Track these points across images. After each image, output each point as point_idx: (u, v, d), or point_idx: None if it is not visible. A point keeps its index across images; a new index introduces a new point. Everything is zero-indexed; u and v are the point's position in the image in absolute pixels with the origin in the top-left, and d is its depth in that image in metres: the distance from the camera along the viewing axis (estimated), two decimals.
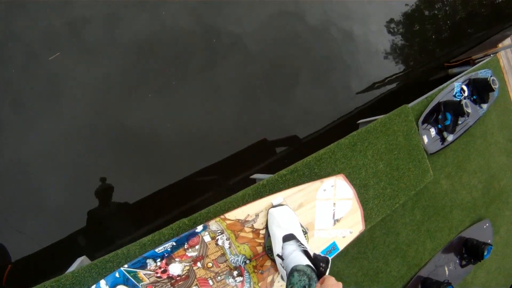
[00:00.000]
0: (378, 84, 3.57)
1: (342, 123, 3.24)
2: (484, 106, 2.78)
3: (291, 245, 1.46)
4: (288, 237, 1.49)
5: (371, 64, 3.66)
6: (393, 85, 3.66)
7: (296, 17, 3.23)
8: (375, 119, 2.06)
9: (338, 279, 2.07)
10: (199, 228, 1.52)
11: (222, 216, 1.54)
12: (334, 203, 1.70)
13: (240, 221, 1.57)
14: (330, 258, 1.34)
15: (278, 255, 1.46)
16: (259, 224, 1.60)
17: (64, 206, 2.21)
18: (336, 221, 1.70)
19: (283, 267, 1.42)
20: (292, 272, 1.25)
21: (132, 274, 1.46)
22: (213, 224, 1.54)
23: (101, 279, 1.43)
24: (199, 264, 1.54)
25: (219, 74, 2.84)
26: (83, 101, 2.33)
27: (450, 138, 2.42)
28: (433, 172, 2.36)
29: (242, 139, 2.79)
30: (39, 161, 2.18)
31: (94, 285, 1.42)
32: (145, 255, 1.48)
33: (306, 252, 1.37)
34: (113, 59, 2.44)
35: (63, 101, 2.28)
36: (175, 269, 1.52)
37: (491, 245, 2.55)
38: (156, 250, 1.48)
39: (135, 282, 1.47)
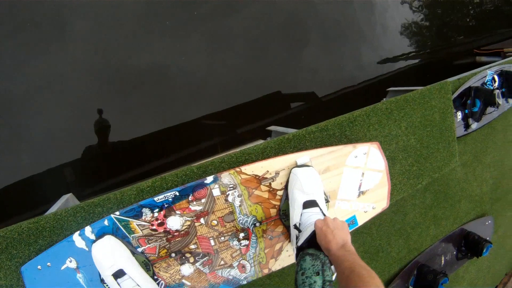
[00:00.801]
0: (403, 57, 3.33)
1: (361, 89, 3.02)
2: (511, 101, 2.62)
3: (312, 214, 1.25)
4: (310, 203, 1.27)
5: (392, 38, 3.41)
6: (417, 61, 3.43)
7: None
8: (408, 90, 1.83)
9: None
10: (209, 179, 1.27)
11: (237, 169, 1.29)
12: (363, 173, 1.47)
13: (257, 177, 1.32)
14: None
15: (295, 226, 1.24)
16: (277, 184, 1.36)
17: (56, 134, 1.92)
18: (361, 193, 1.49)
19: (297, 241, 1.21)
20: (304, 256, 1.05)
21: (123, 223, 1.21)
22: (226, 177, 1.29)
23: (86, 225, 1.18)
24: (202, 220, 1.30)
25: (233, 22, 2.54)
26: (87, 33, 2.05)
27: (474, 126, 2.25)
28: None
29: (254, 89, 2.54)
30: (37, 86, 1.87)
31: (78, 232, 1.17)
32: (141, 203, 1.22)
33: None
34: None
35: (67, 30, 1.98)
36: (174, 223, 1.27)
37: (491, 244, 2.46)
38: (155, 198, 1.23)
39: (126, 233, 1.22)
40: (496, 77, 2.37)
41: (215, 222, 1.32)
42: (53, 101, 1.98)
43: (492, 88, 2.32)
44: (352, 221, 1.51)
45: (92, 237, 1.19)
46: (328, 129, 1.50)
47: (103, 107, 2.09)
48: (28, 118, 1.92)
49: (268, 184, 1.35)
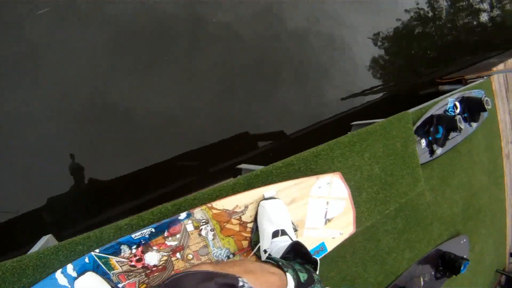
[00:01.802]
0: (367, 92, 3.54)
1: (329, 124, 3.18)
2: (474, 125, 2.80)
3: (281, 242, 1.36)
4: (278, 233, 1.38)
5: (359, 73, 3.64)
6: (381, 95, 3.64)
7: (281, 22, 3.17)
8: (371, 122, 1.99)
9: None
10: (183, 215, 1.38)
11: (209, 205, 1.41)
12: (328, 202, 1.60)
13: (227, 211, 1.44)
14: (318, 259, 1.23)
15: (265, 250, 1.35)
16: (247, 217, 1.47)
17: (32, 177, 2.00)
18: (327, 220, 1.61)
19: None
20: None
21: (103, 260, 1.30)
22: (198, 212, 1.40)
23: (68, 263, 1.25)
24: (178, 255, 1.39)
25: (202, 60, 2.72)
26: (62, 70, 2.14)
27: (439, 151, 2.40)
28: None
29: (225, 128, 2.66)
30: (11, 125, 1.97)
31: (60, 269, 1.24)
32: (120, 240, 1.31)
33: (296, 244, 1.24)
34: (97, 32, 2.26)
35: (43, 68, 2.08)
36: (152, 258, 1.37)
37: (468, 260, 2.55)
38: (133, 235, 1.33)
39: (106, 270, 1.31)
40: (457, 104, 2.56)
41: (190, 256, 1.41)
42: (26, 141, 2.08)
43: (453, 114, 2.50)
44: (321, 247, 1.61)
45: (74, 274, 1.26)
46: (294, 164, 1.64)
47: (75, 149, 2.18)
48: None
49: (238, 217, 1.46)
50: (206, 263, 0.85)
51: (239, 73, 2.88)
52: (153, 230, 1.35)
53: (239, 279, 0.79)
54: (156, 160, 2.40)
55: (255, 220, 1.47)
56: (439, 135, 2.36)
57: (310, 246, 1.58)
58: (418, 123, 2.30)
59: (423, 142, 2.35)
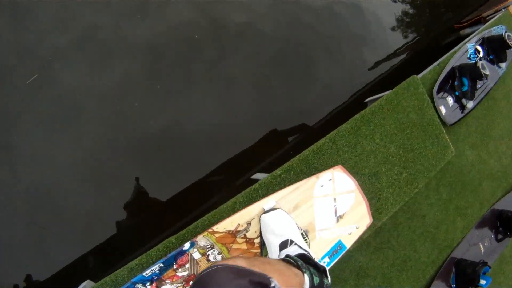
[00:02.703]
0: (390, 56, 3.24)
1: (353, 102, 2.98)
2: (503, 65, 2.45)
3: (289, 253, 1.31)
4: (286, 244, 1.32)
5: (381, 36, 3.33)
6: (404, 55, 3.30)
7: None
8: (384, 95, 1.82)
9: (361, 274, 1.92)
10: (187, 245, 1.39)
11: (209, 230, 1.41)
12: (335, 199, 1.50)
13: (230, 232, 1.43)
14: (327, 268, 1.16)
15: None
16: (252, 233, 1.44)
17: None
18: (339, 217, 1.51)
19: None
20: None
21: None
22: (201, 240, 1.41)
23: None
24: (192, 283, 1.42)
25: (233, 65, 2.70)
26: (94, 113, 2.28)
27: (470, 105, 2.13)
28: (456, 144, 2.11)
29: (256, 131, 2.63)
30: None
31: None
32: (133, 280, 1.38)
33: (303, 256, 1.20)
34: (120, 65, 2.36)
35: (78, 116, 2.25)
36: None
37: None
38: (144, 273, 1.38)
39: None
40: (478, 48, 2.25)
41: None
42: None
43: (476, 60, 2.19)
44: (339, 246, 1.52)
45: None
46: (294, 167, 1.57)
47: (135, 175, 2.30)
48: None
49: (243, 236, 1.44)
50: (240, 257, 0.87)
51: (272, 67, 2.82)
52: (162, 265, 1.39)
53: (271, 279, 0.80)
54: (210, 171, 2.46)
55: (260, 235, 1.44)
56: (465, 88, 2.08)
57: (326, 247, 1.50)
58: (440, 80, 2.06)
59: (450, 99, 2.10)
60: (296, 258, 1.09)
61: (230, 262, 0.83)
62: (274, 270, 0.92)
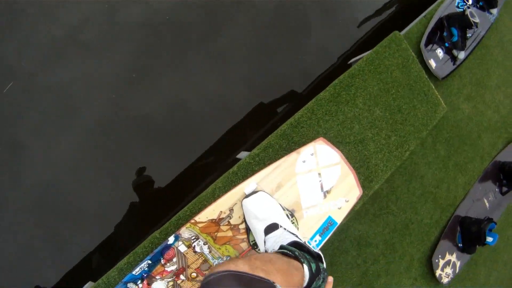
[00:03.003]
0: (379, 11, 3.05)
1: (343, 63, 2.84)
2: (494, 11, 2.28)
3: (276, 236, 1.25)
4: (271, 228, 1.27)
5: None
6: (393, 9, 3.10)
7: None
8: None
9: (362, 243, 1.87)
10: (171, 239, 1.36)
11: (192, 221, 1.37)
12: (319, 173, 1.43)
13: (213, 220, 1.38)
14: (321, 253, 1.10)
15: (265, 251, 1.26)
16: (236, 219, 1.39)
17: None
18: (326, 192, 1.45)
19: None
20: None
21: None
22: (185, 232, 1.37)
23: None
24: (182, 276, 1.39)
25: (227, 37, 2.52)
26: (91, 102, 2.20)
27: (461, 55, 2.00)
28: (450, 98, 2.02)
29: (244, 106, 2.53)
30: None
31: None
32: (124, 280, 1.36)
33: (297, 244, 1.14)
34: (113, 52, 2.27)
35: (74, 109, 2.16)
36: (159, 287, 1.40)
37: None
38: (134, 272, 1.36)
39: None
40: None
41: (194, 274, 1.40)
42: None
43: (464, 8, 2.03)
44: (329, 222, 1.46)
45: None
46: (272, 144, 1.50)
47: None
48: None
49: (227, 223, 1.39)
50: (241, 260, 0.84)
51: (266, 35, 2.66)
52: (149, 261, 1.37)
53: (276, 285, 0.78)
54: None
55: (244, 220, 1.40)
56: (455, 38, 1.94)
57: (315, 225, 1.45)
58: (427, 32, 1.93)
59: (440, 51, 1.97)
60: (292, 248, 1.05)
61: (232, 267, 0.79)
62: (276, 270, 0.88)
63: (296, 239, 1.18)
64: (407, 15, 3.13)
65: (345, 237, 1.87)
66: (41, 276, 2.15)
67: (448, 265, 2.03)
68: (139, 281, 1.36)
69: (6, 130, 2.09)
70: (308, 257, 1.03)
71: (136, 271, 1.36)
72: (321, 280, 1.00)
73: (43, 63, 2.19)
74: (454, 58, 2.01)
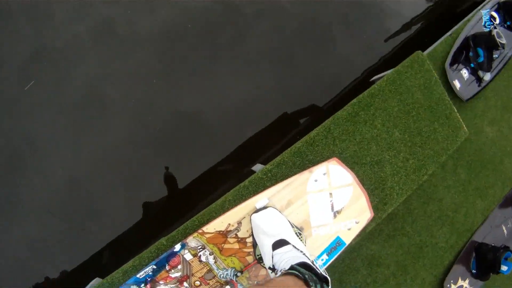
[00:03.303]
0: (404, 27, 2.97)
1: (366, 78, 2.78)
2: None
3: (283, 253, 1.24)
4: (279, 243, 1.26)
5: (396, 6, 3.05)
6: (419, 25, 3.01)
7: None
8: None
9: (373, 262, 1.84)
10: (177, 247, 1.37)
11: (200, 231, 1.37)
12: (331, 193, 1.41)
13: (221, 232, 1.38)
14: (329, 278, 1.09)
15: (270, 268, 1.25)
16: (243, 233, 1.39)
17: None
18: (336, 213, 1.43)
19: None
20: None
21: None
22: (192, 241, 1.38)
23: None
24: (185, 284, 1.40)
25: (252, 43, 2.56)
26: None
27: (487, 77, 1.93)
28: (474, 121, 1.96)
29: (266, 116, 2.52)
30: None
31: None
32: (127, 282, 1.39)
33: (305, 265, 1.13)
34: (140, 54, 2.32)
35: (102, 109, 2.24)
36: None
37: None
38: (138, 275, 1.38)
39: None
40: (494, 14, 2.00)
41: (198, 283, 1.41)
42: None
43: (490, 28, 1.95)
44: (337, 242, 1.44)
45: None
46: (286, 161, 1.48)
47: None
48: None
49: (234, 235, 1.39)
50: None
51: (291, 43, 2.65)
52: (154, 266, 1.38)
53: None
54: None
55: (252, 234, 1.39)
56: (481, 59, 1.88)
57: (323, 244, 1.43)
58: (452, 52, 1.87)
59: (465, 72, 1.91)
60: (302, 270, 1.05)
61: None
62: None
63: (305, 258, 1.16)
64: (433, 31, 3.06)
65: (357, 256, 1.83)
66: (51, 269, 2.22)
67: None
68: (143, 284, 1.38)
69: (22, 127, 2.17)
70: (315, 279, 1.03)
71: (141, 274, 1.38)
72: None
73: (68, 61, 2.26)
74: (479, 80, 1.94)
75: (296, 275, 1.01)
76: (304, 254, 1.20)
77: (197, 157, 2.44)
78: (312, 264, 1.12)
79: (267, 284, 0.97)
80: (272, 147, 2.55)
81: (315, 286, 0.99)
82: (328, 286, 1.07)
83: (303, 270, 1.04)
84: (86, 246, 2.28)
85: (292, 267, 1.08)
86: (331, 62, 2.79)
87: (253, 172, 2.10)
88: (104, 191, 2.26)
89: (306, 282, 0.98)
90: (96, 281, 1.81)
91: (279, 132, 2.62)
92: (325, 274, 1.08)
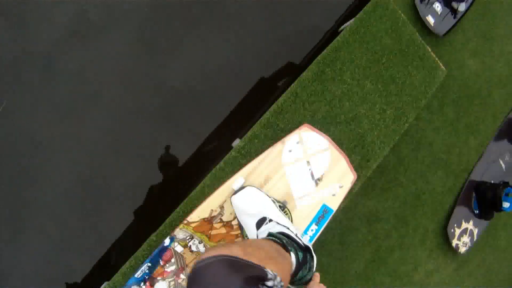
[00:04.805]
0: None
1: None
2: None
3: (267, 230, 1.23)
4: (261, 222, 1.25)
5: None
6: None
7: None
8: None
9: (372, 219, 1.82)
10: (166, 241, 1.38)
11: (185, 222, 1.37)
12: (308, 161, 1.38)
13: (206, 219, 1.38)
14: (310, 246, 1.08)
15: None
16: (228, 216, 1.38)
17: None
18: (317, 180, 1.39)
19: None
20: None
21: None
22: (179, 233, 1.38)
23: None
24: (182, 275, 1.42)
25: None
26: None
27: (462, 7, 1.83)
28: (454, 55, 1.88)
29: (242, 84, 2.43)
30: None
31: None
32: (128, 283, 1.41)
33: (285, 234, 1.13)
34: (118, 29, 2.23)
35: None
36: (161, 287, 1.44)
37: None
38: (136, 275, 1.40)
39: None
40: None
41: None
42: None
43: None
44: (324, 210, 1.42)
45: None
46: (257, 135, 1.44)
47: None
48: None
49: (219, 220, 1.39)
50: (235, 244, 0.85)
51: None
52: (149, 264, 1.40)
53: (267, 271, 0.78)
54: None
55: (236, 216, 1.38)
56: None
57: (310, 214, 1.41)
58: None
59: (438, 5, 1.80)
60: (279, 235, 1.05)
61: (225, 251, 0.79)
62: (267, 257, 0.87)
63: (287, 230, 1.15)
64: None
65: (354, 215, 1.82)
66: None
67: (465, 233, 1.95)
68: (142, 283, 1.40)
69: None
70: (295, 245, 1.03)
71: (138, 274, 1.40)
72: (308, 269, 1.00)
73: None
74: (454, 11, 1.83)
75: (274, 240, 1.01)
76: (288, 228, 1.18)
77: (177, 140, 2.38)
78: (293, 235, 1.11)
79: (240, 242, 0.97)
80: (253, 117, 2.49)
81: (296, 252, 0.98)
82: (311, 255, 1.06)
83: (280, 235, 1.04)
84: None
85: (269, 234, 1.08)
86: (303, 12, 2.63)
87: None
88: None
89: (284, 246, 0.98)
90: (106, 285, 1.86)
91: (256, 100, 2.53)
92: (307, 244, 1.07)
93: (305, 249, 1.05)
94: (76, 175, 2.21)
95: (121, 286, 1.43)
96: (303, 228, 1.43)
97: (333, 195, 1.42)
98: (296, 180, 1.38)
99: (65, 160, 2.21)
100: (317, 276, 1.01)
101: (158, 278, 1.40)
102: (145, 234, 2.28)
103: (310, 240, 1.46)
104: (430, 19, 1.76)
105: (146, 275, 1.40)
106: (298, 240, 1.08)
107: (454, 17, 1.85)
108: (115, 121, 2.27)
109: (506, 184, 1.85)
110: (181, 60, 2.35)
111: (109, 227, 2.26)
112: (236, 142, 1.97)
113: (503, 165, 2.03)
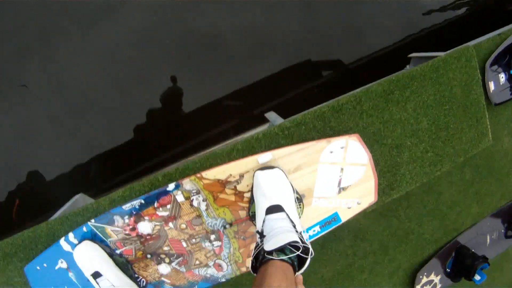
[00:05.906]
0: (446, 7, 2.73)
1: (397, 50, 2.58)
2: None
3: (276, 220, 1.16)
4: (273, 209, 1.17)
5: None
6: (463, 10, 2.78)
7: None
8: (435, 56, 1.53)
9: (360, 235, 1.82)
10: (171, 186, 1.29)
11: (198, 175, 1.28)
12: (342, 169, 1.33)
13: (220, 181, 1.30)
14: (310, 246, 1.03)
15: (257, 232, 1.18)
16: (243, 186, 1.31)
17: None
18: (341, 189, 1.36)
19: (257, 248, 1.15)
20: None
21: (99, 230, 1.32)
22: (188, 183, 1.29)
23: (69, 232, 1.32)
24: (171, 224, 1.34)
25: None
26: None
27: None
28: (496, 127, 1.87)
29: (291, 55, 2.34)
30: None
31: (63, 238, 1.32)
32: (111, 211, 1.31)
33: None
34: None
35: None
36: (145, 227, 1.34)
37: None
38: (123, 207, 1.30)
39: (103, 237, 1.34)
40: None
41: (183, 226, 1.35)
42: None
43: None
44: (334, 218, 1.40)
45: (75, 241, 1.33)
46: (307, 122, 1.36)
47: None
48: None
49: (233, 187, 1.31)
50: None
51: None
52: (142, 201, 1.31)
53: None
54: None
55: (251, 190, 1.31)
56: None
57: (320, 216, 1.38)
58: (497, 53, 1.71)
59: (503, 76, 1.78)
60: (293, 257, 1.00)
61: None
62: None
63: (294, 235, 1.08)
64: (477, 23, 2.86)
65: (345, 226, 1.79)
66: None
67: (429, 284, 2.03)
68: (126, 216, 1.32)
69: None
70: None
71: (126, 206, 1.31)
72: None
73: None
74: None
75: (285, 261, 0.98)
76: (294, 226, 1.12)
77: (206, 82, 2.28)
78: (298, 239, 1.05)
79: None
80: (287, 93, 2.40)
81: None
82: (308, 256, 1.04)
83: (293, 257, 1.01)
84: (76, 153, 2.18)
85: (282, 251, 1.02)
86: (363, 18, 2.57)
87: (265, 118, 1.98)
88: (107, 95, 2.14)
89: (293, 266, 0.98)
90: (80, 196, 1.74)
91: (297, 78, 2.45)
92: (308, 245, 1.03)
93: (304, 250, 1.02)
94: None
95: (104, 211, 1.33)
96: (307, 225, 1.40)
97: (349, 208, 1.39)
98: (323, 180, 1.33)
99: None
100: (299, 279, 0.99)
101: (146, 217, 1.32)
102: (151, 168, 2.18)
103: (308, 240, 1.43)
104: (491, 86, 1.74)
105: (134, 210, 1.31)
106: (299, 241, 1.03)
107: (511, 94, 1.86)
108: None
109: (485, 259, 1.92)
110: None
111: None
112: (271, 115, 1.89)
113: (488, 240, 2.11)
